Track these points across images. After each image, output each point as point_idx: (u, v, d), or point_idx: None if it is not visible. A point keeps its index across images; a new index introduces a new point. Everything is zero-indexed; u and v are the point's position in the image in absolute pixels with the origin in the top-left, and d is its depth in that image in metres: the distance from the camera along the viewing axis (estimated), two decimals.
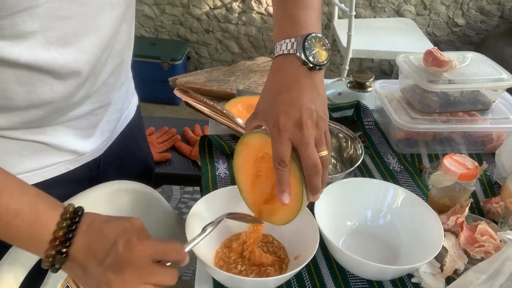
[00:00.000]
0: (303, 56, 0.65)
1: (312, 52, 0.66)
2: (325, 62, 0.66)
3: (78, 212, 0.61)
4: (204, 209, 0.78)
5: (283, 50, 0.67)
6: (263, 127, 0.69)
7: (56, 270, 0.59)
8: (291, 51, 0.66)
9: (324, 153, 0.65)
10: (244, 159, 0.70)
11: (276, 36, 0.70)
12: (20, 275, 0.72)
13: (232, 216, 0.72)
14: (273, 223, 0.70)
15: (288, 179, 0.62)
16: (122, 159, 0.98)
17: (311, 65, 0.65)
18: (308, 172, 0.62)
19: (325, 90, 0.68)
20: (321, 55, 0.66)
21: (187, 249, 0.64)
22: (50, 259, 0.58)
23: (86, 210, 0.62)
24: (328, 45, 0.68)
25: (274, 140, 0.63)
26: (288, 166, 0.62)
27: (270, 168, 0.70)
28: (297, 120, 0.62)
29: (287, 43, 0.67)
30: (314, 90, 0.66)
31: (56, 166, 0.80)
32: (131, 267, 0.57)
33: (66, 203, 0.62)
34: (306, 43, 0.65)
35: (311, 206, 0.78)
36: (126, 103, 0.96)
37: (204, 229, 0.68)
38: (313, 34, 0.66)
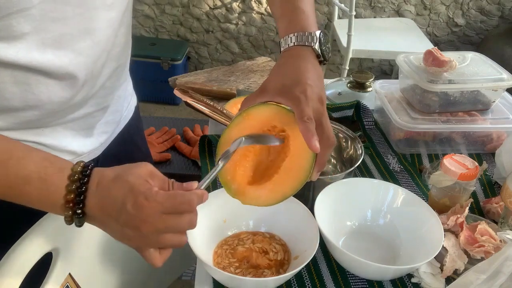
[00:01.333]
0: (319, 51, 0.72)
1: (324, 48, 0.73)
2: (329, 58, 0.75)
3: (86, 172, 0.60)
4: (204, 209, 0.77)
5: (300, 42, 0.72)
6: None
7: (79, 226, 0.61)
8: (307, 44, 0.72)
9: None
10: (240, 131, 0.67)
11: (288, 28, 0.74)
12: (23, 270, 0.72)
13: (249, 141, 0.67)
14: (259, 204, 0.67)
15: (314, 130, 0.64)
16: (121, 160, 0.97)
17: (322, 58, 0.73)
18: (326, 144, 0.65)
19: None
20: (328, 52, 0.74)
21: (202, 186, 0.62)
22: (69, 219, 0.59)
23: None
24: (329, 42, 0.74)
25: (302, 104, 0.65)
26: (314, 123, 0.64)
27: (261, 152, 0.69)
28: (319, 95, 0.67)
29: (302, 36, 0.72)
30: (322, 79, 0.72)
31: None
32: (145, 225, 0.57)
33: (75, 162, 0.62)
34: (321, 39, 0.73)
35: (311, 206, 0.78)
36: (125, 104, 0.95)
37: (217, 163, 0.65)
38: (323, 32, 0.74)
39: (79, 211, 0.59)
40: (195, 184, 0.62)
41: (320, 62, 0.73)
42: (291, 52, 0.73)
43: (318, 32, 0.72)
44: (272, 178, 0.67)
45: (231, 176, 0.68)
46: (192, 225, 0.60)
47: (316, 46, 0.72)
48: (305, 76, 0.68)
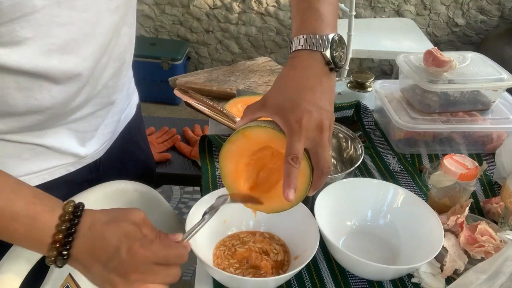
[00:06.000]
0: (329, 56, 0.66)
1: (336, 54, 0.67)
2: (344, 64, 0.68)
3: (77, 213, 0.61)
4: (204, 209, 0.77)
5: (309, 45, 0.67)
6: (267, 119, 0.67)
7: (59, 267, 0.60)
8: (316, 48, 0.66)
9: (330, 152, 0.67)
10: (239, 148, 0.68)
11: (299, 28, 0.69)
12: (23, 270, 0.72)
13: (229, 200, 0.69)
14: (260, 210, 0.69)
15: (297, 176, 0.61)
16: (123, 161, 0.98)
17: (333, 66, 0.66)
18: (321, 173, 0.63)
19: None
20: (342, 57, 0.68)
21: (187, 239, 0.64)
22: (52, 259, 0.59)
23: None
24: (346, 47, 0.69)
25: (293, 136, 0.62)
26: (300, 164, 0.61)
27: (262, 158, 0.69)
28: (318, 122, 0.62)
29: (312, 39, 0.67)
30: (331, 91, 0.67)
31: (57, 168, 0.80)
32: (135, 273, 0.58)
33: (65, 201, 0.62)
34: (333, 44, 0.66)
35: (311, 206, 0.78)
36: (126, 102, 0.95)
37: (203, 217, 0.67)
38: (338, 35, 0.67)
39: (65, 252, 0.59)
40: (180, 235, 0.64)
41: (331, 70, 0.67)
42: (297, 60, 0.67)
43: (331, 35, 0.66)
44: (270, 192, 0.68)
45: (232, 181, 0.70)
46: (177, 277, 0.62)
47: (327, 52, 0.66)
48: (305, 98, 0.63)
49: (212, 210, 0.68)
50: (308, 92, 0.64)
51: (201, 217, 0.67)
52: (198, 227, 0.66)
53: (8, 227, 0.59)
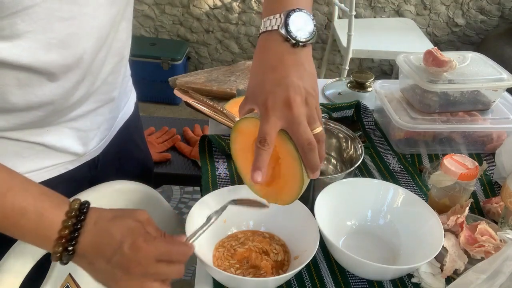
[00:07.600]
0: (284, 32, 0.64)
1: (295, 28, 0.65)
2: (309, 39, 0.65)
3: (83, 210, 0.62)
4: (204, 209, 0.78)
5: (266, 27, 0.66)
6: (255, 110, 0.67)
7: (64, 264, 0.61)
8: (274, 28, 0.65)
9: (319, 129, 0.64)
10: (240, 145, 0.69)
11: (263, 13, 0.69)
12: (26, 267, 0.72)
13: (237, 202, 0.71)
14: (279, 203, 0.70)
15: (265, 159, 0.61)
16: (121, 159, 0.98)
17: (293, 41, 0.64)
18: (303, 150, 0.62)
19: (313, 66, 0.67)
20: (305, 31, 0.65)
21: (192, 240, 0.65)
22: (58, 255, 0.60)
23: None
24: (314, 21, 0.67)
25: (262, 118, 0.62)
26: (269, 145, 0.61)
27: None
28: (285, 99, 0.61)
29: (270, 20, 0.66)
30: (300, 67, 0.65)
31: (56, 166, 0.80)
32: (137, 267, 0.59)
33: (71, 198, 0.63)
34: (288, 19, 0.64)
35: (311, 206, 0.78)
36: (125, 100, 0.95)
37: (208, 218, 0.68)
38: (297, 10, 0.65)
39: (71, 248, 0.60)
40: (184, 237, 0.65)
41: (294, 46, 0.64)
42: (258, 44, 0.68)
43: (287, 12, 0.65)
44: (278, 183, 0.68)
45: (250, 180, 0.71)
46: (180, 274, 0.62)
47: (282, 29, 0.64)
48: (267, 79, 0.63)
49: (217, 212, 0.69)
50: (269, 73, 0.64)
51: (203, 218, 0.68)
52: (203, 229, 0.67)
53: (16, 223, 0.60)
